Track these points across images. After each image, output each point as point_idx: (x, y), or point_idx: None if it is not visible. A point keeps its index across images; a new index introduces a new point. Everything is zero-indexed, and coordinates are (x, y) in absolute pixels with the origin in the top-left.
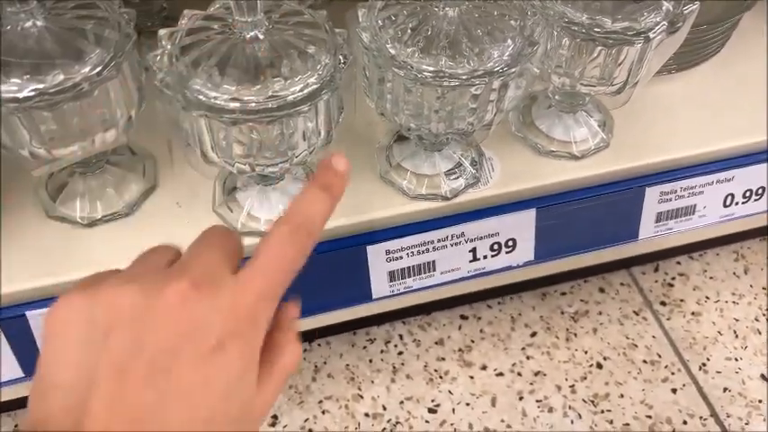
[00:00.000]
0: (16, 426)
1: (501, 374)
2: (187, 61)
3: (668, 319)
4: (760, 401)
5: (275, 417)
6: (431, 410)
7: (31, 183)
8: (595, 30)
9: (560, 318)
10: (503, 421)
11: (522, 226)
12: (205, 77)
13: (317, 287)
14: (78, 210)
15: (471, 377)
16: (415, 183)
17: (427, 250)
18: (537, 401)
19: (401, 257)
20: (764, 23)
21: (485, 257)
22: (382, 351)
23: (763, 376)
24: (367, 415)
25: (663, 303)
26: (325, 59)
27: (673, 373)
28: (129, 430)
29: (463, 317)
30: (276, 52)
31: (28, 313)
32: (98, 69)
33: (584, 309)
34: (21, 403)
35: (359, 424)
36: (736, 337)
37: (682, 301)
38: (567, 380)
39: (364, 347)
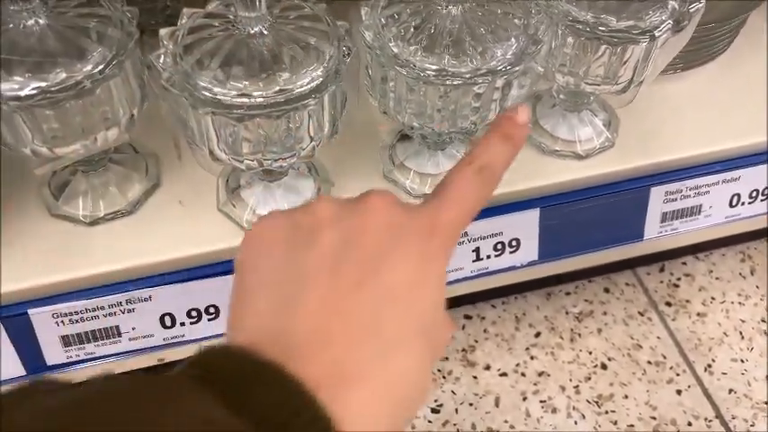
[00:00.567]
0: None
1: (505, 374)
2: (192, 60)
3: (673, 320)
4: (766, 403)
5: None
6: (433, 410)
7: (33, 181)
8: (600, 28)
9: (565, 318)
10: (506, 422)
11: (526, 225)
12: (211, 75)
13: None
14: (81, 208)
15: (475, 377)
16: (418, 182)
17: None
18: (541, 402)
19: None
20: None
21: (488, 257)
22: None
23: None
24: None
25: (668, 304)
26: (330, 51)
27: (678, 375)
28: (342, 327)
29: (467, 317)
30: (281, 46)
31: (30, 311)
32: (100, 68)
33: (589, 309)
34: None
35: None
36: (742, 338)
37: (687, 301)
38: (571, 380)
39: None
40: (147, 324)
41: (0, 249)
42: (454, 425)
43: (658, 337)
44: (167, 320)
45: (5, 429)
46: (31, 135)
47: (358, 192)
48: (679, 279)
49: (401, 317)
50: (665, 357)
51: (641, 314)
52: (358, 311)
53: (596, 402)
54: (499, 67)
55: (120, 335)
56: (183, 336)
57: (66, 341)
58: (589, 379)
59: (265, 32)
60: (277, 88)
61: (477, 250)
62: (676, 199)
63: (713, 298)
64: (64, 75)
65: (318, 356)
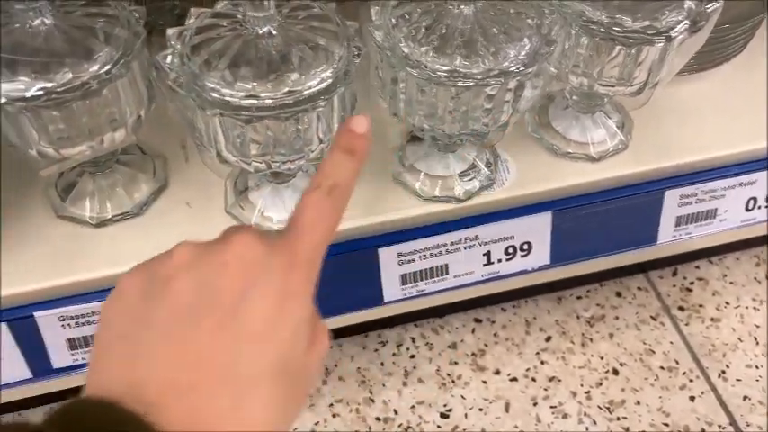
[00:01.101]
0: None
1: (515, 379)
2: (199, 60)
3: (686, 325)
4: None
5: None
6: (443, 415)
7: (40, 182)
8: (615, 29)
9: (576, 322)
10: (516, 427)
11: (538, 229)
12: (219, 76)
13: (327, 290)
14: (88, 210)
15: (484, 382)
16: (428, 184)
17: (440, 253)
18: (551, 407)
19: (413, 260)
20: None
21: (499, 261)
22: (394, 354)
23: None
24: (378, 419)
25: (681, 308)
26: (339, 52)
27: (691, 380)
28: (197, 375)
29: (477, 320)
30: (289, 47)
31: (36, 314)
32: (107, 68)
33: (601, 313)
34: (29, 404)
35: (369, 428)
36: (757, 343)
37: (700, 306)
38: (582, 386)
39: (376, 350)
40: None
41: (6, 251)
42: (464, 430)
43: (671, 343)
44: None
45: None
46: (37, 136)
47: (366, 194)
48: (692, 283)
49: (258, 357)
50: (677, 363)
51: (654, 319)
52: (214, 357)
53: (608, 408)
54: (512, 69)
55: None
56: None
57: (73, 344)
58: (600, 384)
59: (274, 33)
60: (286, 89)
61: (488, 254)
62: (691, 203)
63: (727, 303)
64: (70, 75)
65: (175, 407)
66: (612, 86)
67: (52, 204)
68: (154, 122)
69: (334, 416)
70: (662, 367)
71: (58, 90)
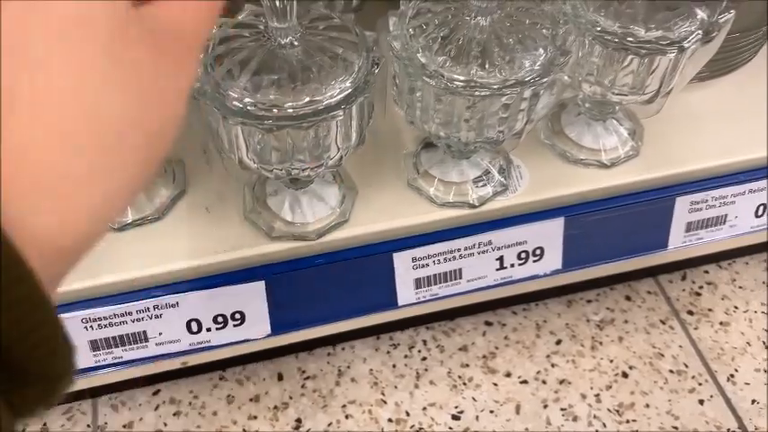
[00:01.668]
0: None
1: (525, 382)
2: (222, 70)
3: (696, 329)
4: None
5: (299, 420)
6: (454, 417)
7: None
8: (628, 39)
9: (586, 325)
10: (527, 429)
11: (551, 235)
12: (242, 86)
13: (342, 294)
14: None
15: (495, 384)
16: (442, 190)
17: (454, 258)
18: (561, 410)
19: (427, 265)
20: None
21: (512, 266)
22: (406, 356)
23: None
24: (390, 420)
25: (690, 312)
26: (358, 62)
27: (700, 384)
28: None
29: (488, 323)
30: (311, 57)
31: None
32: None
33: (610, 317)
34: None
35: (382, 429)
36: (766, 347)
37: (710, 310)
38: (592, 388)
39: (388, 352)
40: (174, 330)
41: None
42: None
43: (680, 346)
44: (194, 326)
45: None
46: None
47: (380, 199)
48: (701, 287)
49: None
50: (686, 366)
51: (663, 322)
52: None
53: (617, 411)
54: (527, 78)
55: (147, 340)
56: (209, 341)
57: (95, 345)
58: (610, 387)
59: (296, 43)
60: (306, 99)
61: (500, 259)
62: (702, 209)
63: (736, 307)
64: None
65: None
66: (625, 95)
67: None
68: None
69: (347, 417)
70: (671, 371)
71: None
